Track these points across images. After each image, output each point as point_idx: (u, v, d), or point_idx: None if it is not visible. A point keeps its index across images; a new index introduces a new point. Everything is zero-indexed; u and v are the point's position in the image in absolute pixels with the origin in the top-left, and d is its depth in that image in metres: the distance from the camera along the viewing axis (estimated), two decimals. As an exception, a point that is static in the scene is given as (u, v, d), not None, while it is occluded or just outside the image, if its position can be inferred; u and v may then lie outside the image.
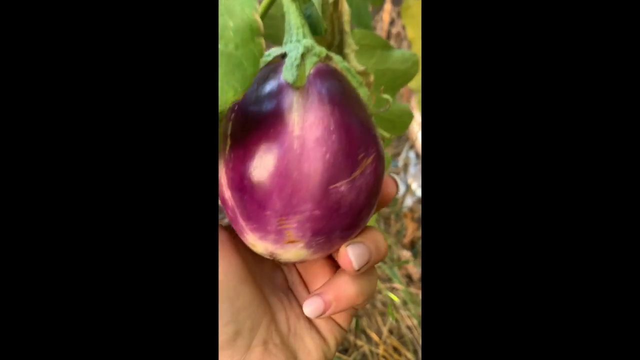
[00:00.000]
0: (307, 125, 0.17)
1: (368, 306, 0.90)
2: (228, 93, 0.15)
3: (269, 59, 0.20)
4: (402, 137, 1.45)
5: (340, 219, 0.19)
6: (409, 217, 1.13)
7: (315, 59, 0.19)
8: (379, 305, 0.91)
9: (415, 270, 0.98)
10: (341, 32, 0.22)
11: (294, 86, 0.18)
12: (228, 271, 0.20)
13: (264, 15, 0.24)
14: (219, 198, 0.20)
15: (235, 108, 0.19)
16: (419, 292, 0.91)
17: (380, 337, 0.84)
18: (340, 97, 0.19)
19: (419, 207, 1.17)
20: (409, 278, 0.98)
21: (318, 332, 0.22)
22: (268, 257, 0.20)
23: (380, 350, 0.81)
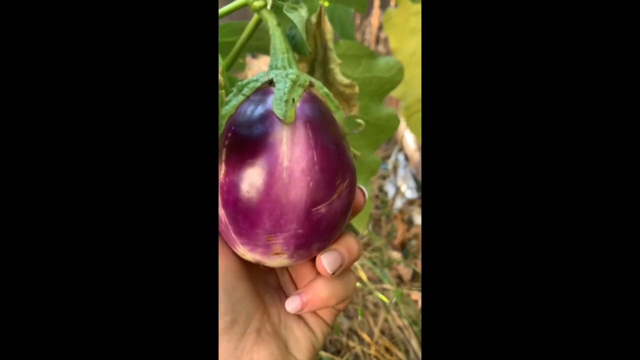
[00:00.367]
0: (294, 157, 0.20)
1: (359, 307, 0.91)
2: None
3: (258, 84, 0.22)
4: (392, 140, 1.47)
5: (319, 234, 0.22)
6: (398, 219, 1.14)
7: (300, 90, 0.22)
8: (370, 306, 0.92)
9: (406, 271, 0.99)
10: (325, 48, 0.24)
11: (284, 122, 0.20)
12: (227, 269, 0.23)
13: (251, 34, 0.25)
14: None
15: (229, 135, 0.21)
16: (410, 293, 0.92)
17: (372, 338, 0.85)
18: (322, 127, 0.22)
19: (409, 209, 1.19)
20: (399, 279, 0.99)
21: (306, 324, 0.25)
22: (255, 264, 0.23)
23: (372, 351, 0.83)
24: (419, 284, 0.97)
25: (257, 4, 0.23)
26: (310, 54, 0.24)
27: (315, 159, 0.20)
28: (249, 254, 0.22)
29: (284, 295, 0.26)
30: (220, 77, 0.19)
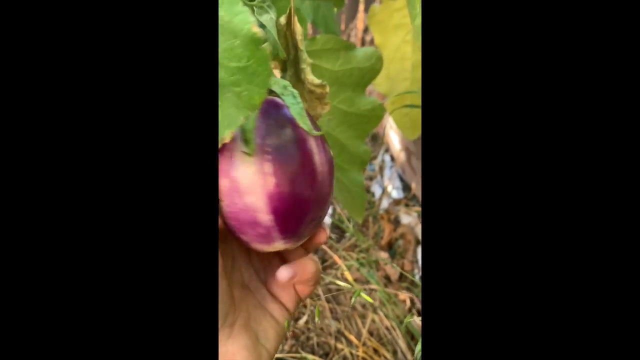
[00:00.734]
0: (322, 162, 0.25)
1: (347, 309, 0.91)
2: (254, 97, 0.18)
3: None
4: (378, 141, 1.47)
5: (325, 214, 0.27)
6: (385, 219, 1.14)
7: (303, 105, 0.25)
8: (358, 308, 0.92)
9: (393, 271, 0.99)
10: (295, 47, 0.24)
11: (314, 135, 0.24)
12: None
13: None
14: (246, 223, 0.25)
15: (268, 150, 0.24)
16: (397, 293, 0.92)
17: (360, 340, 0.84)
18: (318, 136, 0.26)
19: (395, 209, 1.19)
20: (387, 279, 0.99)
21: (272, 317, 0.29)
22: (275, 251, 0.27)
23: (360, 352, 0.82)
24: (406, 284, 0.97)
25: None
26: (285, 58, 0.25)
27: (331, 162, 0.26)
28: (281, 245, 0.26)
29: (249, 291, 0.29)
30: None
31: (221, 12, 0.17)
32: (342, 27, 1.46)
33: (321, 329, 0.88)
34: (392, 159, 1.39)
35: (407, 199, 1.23)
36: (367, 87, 0.35)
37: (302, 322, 0.89)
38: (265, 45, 0.18)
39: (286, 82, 0.24)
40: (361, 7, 1.40)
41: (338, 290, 0.95)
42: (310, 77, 0.24)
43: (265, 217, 0.24)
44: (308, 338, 0.87)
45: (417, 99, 0.52)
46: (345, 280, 0.87)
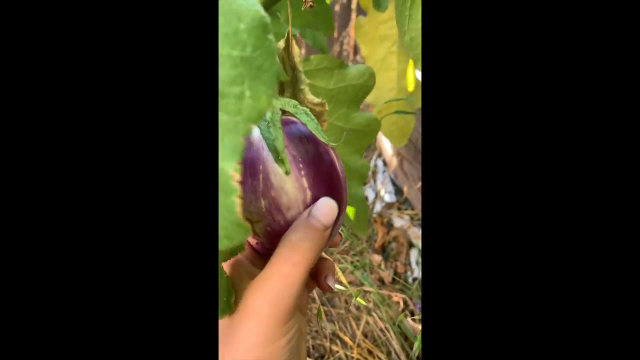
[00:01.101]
0: (341, 170, 0.27)
1: (342, 311, 0.92)
2: (261, 101, 0.15)
3: (279, 117, 0.26)
4: (370, 147, 1.49)
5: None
6: (378, 222, 1.16)
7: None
8: (353, 310, 0.93)
9: (387, 273, 1.01)
10: (293, 69, 0.25)
11: (333, 146, 0.26)
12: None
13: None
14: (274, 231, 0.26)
15: (301, 166, 0.25)
16: (391, 295, 0.94)
17: (354, 342, 0.86)
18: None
19: (388, 213, 1.21)
20: (381, 282, 1.00)
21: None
22: None
23: (355, 354, 0.83)
24: (399, 286, 0.98)
25: None
26: (286, 81, 0.26)
27: (343, 168, 0.27)
28: None
29: None
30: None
31: None
32: (335, 34, 1.49)
33: (316, 331, 0.89)
34: (385, 163, 1.41)
35: (400, 203, 1.25)
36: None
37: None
38: (272, 37, 0.15)
39: (295, 102, 0.25)
40: (354, 15, 1.42)
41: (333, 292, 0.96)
42: (310, 97, 0.26)
43: None
44: (304, 340, 0.88)
45: (404, 107, 0.54)
46: (340, 283, 0.89)
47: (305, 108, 0.25)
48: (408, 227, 1.11)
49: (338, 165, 0.26)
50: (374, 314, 0.89)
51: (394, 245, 1.10)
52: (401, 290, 0.96)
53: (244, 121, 0.15)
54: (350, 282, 0.96)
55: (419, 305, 0.88)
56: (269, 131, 0.24)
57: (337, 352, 0.85)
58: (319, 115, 0.26)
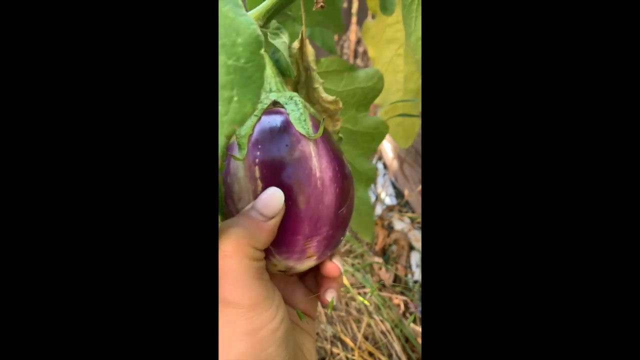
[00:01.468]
0: (322, 168, 0.23)
1: (343, 313, 0.92)
2: (246, 107, 0.17)
3: (264, 106, 0.24)
4: (371, 148, 1.49)
5: (341, 233, 0.24)
6: (379, 225, 1.16)
7: (307, 111, 0.24)
8: (353, 312, 0.93)
9: (387, 275, 1.01)
10: (307, 69, 0.26)
11: (311, 138, 0.23)
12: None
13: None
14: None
15: (259, 154, 0.22)
16: (391, 297, 0.94)
17: (355, 344, 0.86)
18: (331, 141, 0.24)
19: (389, 216, 1.21)
20: (381, 284, 1.00)
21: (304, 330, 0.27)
22: (282, 272, 0.24)
23: (356, 356, 0.83)
24: (400, 288, 0.98)
25: None
26: (295, 76, 0.26)
27: (337, 168, 0.23)
28: (282, 263, 0.23)
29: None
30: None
31: (224, 8, 0.17)
32: (336, 38, 1.49)
33: (317, 334, 0.89)
34: (385, 166, 1.42)
35: (400, 206, 1.25)
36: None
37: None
38: (263, 53, 0.17)
39: (294, 94, 0.24)
40: (354, 19, 1.43)
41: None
42: (324, 95, 0.26)
43: None
44: (305, 342, 0.88)
45: (410, 108, 0.54)
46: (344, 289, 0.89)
47: (299, 99, 0.24)
48: (409, 230, 1.11)
49: (318, 160, 0.22)
50: (375, 316, 0.89)
51: (394, 248, 1.10)
52: (402, 293, 0.97)
53: (229, 122, 0.17)
54: (351, 285, 0.96)
55: (420, 308, 0.89)
56: None
57: (338, 354, 0.85)
58: (332, 114, 0.26)
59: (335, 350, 0.85)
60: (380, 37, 0.52)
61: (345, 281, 0.76)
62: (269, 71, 0.25)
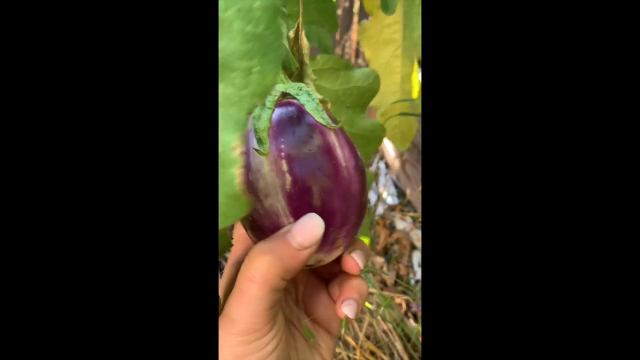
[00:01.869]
0: (346, 157, 0.22)
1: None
2: (267, 78, 0.15)
3: (275, 98, 0.23)
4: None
5: (362, 221, 0.24)
6: (381, 225, 1.16)
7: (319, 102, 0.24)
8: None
9: (389, 276, 1.01)
10: (301, 63, 0.25)
11: (332, 128, 0.22)
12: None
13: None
14: (270, 230, 0.23)
15: (283, 147, 0.22)
16: (393, 296, 0.94)
17: (357, 343, 0.86)
18: (342, 128, 0.24)
19: (390, 215, 1.21)
20: (383, 283, 1.01)
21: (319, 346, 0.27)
22: (309, 266, 0.24)
23: (358, 355, 0.84)
24: (401, 288, 0.99)
25: None
26: (297, 68, 0.25)
27: (358, 156, 0.23)
28: (313, 256, 0.23)
29: (293, 325, 0.26)
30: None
31: None
32: (337, 37, 1.50)
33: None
34: (387, 166, 1.42)
35: (402, 205, 1.25)
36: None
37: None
38: (281, 21, 0.15)
39: (301, 84, 0.23)
40: (355, 18, 1.43)
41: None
42: (315, 93, 0.24)
43: (288, 219, 0.22)
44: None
45: (409, 108, 0.54)
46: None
47: (308, 89, 0.23)
48: (410, 230, 1.11)
49: (341, 150, 0.22)
50: (377, 315, 0.89)
51: (396, 247, 1.10)
52: (403, 292, 0.97)
53: (250, 95, 0.15)
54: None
55: (421, 307, 0.89)
56: (257, 110, 0.22)
57: (340, 353, 0.85)
58: None
59: (337, 349, 0.86)
60: (377, 38, 0.52)
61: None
62: None
